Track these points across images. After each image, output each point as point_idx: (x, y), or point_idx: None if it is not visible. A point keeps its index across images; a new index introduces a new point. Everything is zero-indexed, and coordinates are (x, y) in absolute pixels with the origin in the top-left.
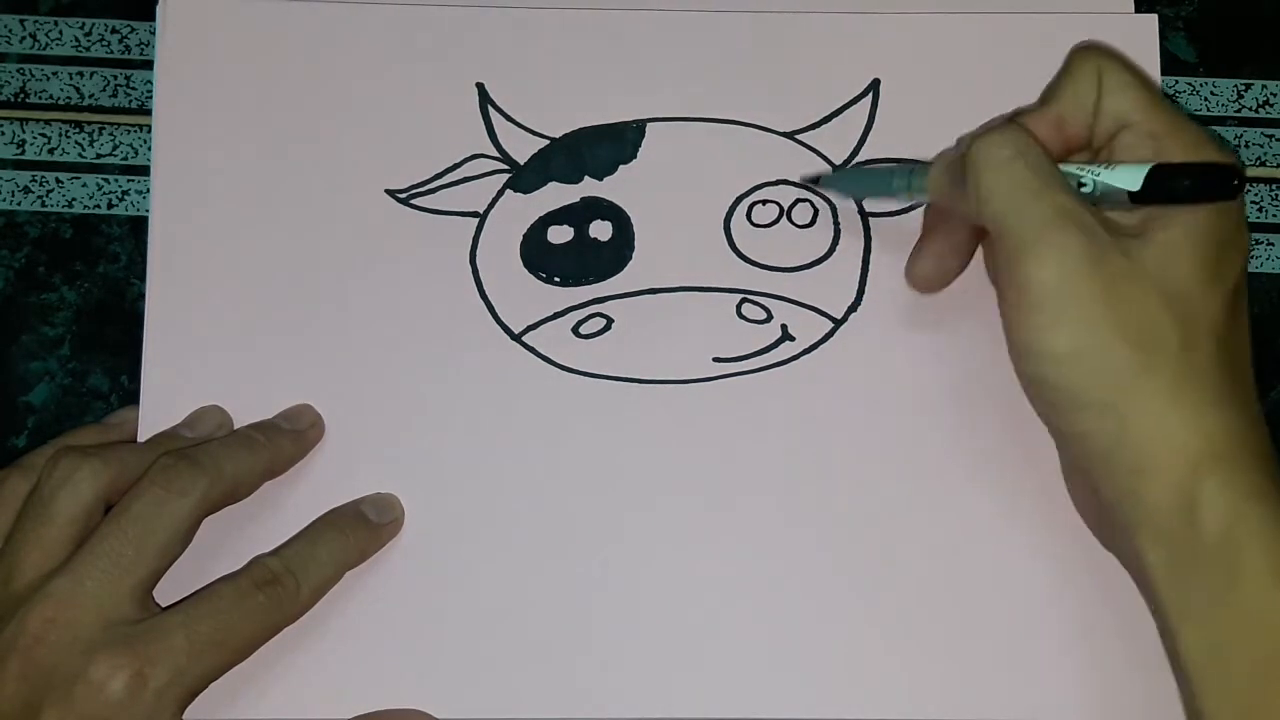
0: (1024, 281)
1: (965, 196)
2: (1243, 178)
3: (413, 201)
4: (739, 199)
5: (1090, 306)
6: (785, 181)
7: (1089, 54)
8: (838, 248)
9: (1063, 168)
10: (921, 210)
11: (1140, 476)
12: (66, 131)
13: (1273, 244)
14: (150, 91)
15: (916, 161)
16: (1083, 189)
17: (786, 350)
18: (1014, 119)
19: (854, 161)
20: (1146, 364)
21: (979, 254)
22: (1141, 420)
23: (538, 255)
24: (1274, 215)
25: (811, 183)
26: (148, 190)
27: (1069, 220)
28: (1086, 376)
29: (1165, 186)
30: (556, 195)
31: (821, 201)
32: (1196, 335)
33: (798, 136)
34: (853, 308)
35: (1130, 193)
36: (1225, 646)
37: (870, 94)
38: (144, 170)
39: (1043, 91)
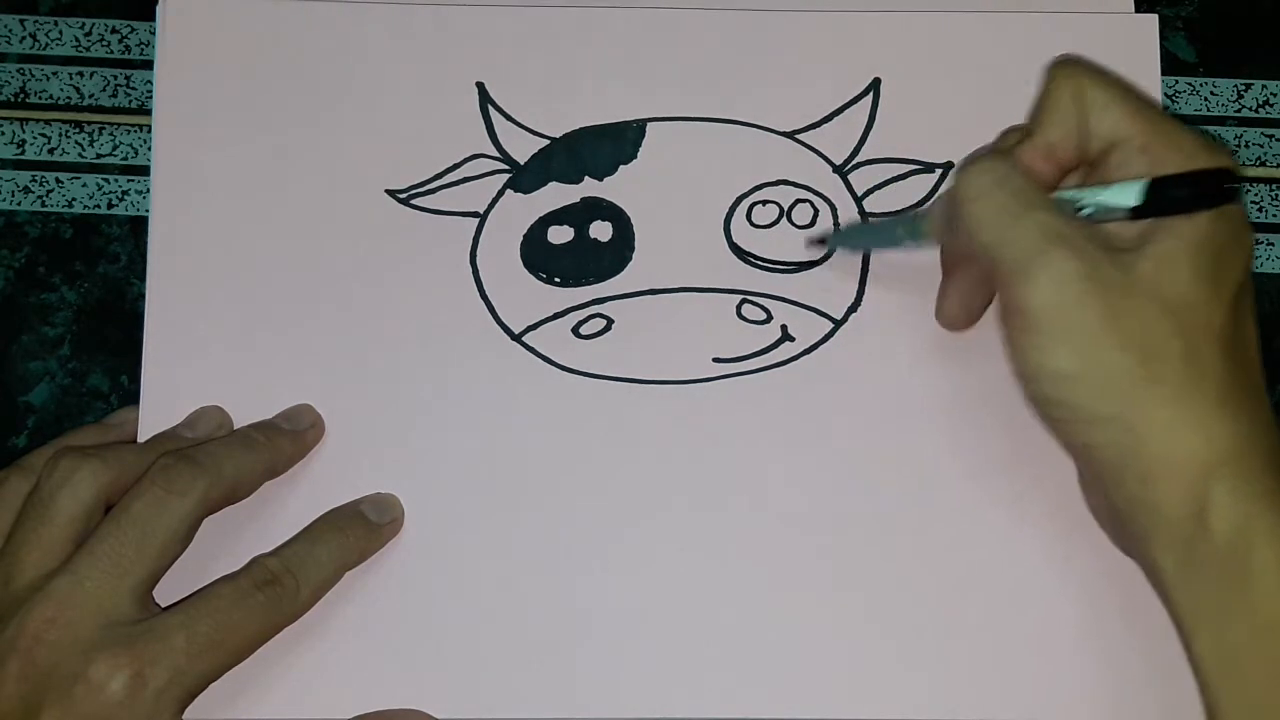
0: (1020, 306)
1: (960, 232)
2: (1237, 179)
3: (413, 201)
4: (739, 199)
5: (1088, 323)
6: (785, 181)
7: (1066, 74)
8: (837, 249)
9: (1060, 194)
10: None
11: (1151, 484)
12: (66, 131)
13: (1273, 244)
14: (150, 91)
15: (915, 209)
16: (1081, 212)
17: (786, 350)
18: (1000, 149)
19: (854, 162)
20: (1150, 375)
21: None
22: (1149, 430)
23: (538, 255)
24: (1274, 215)
25: (818, 243)
26: (148, 190)
27: (1057, 240)
28: (1092, 392)
29: (1164, 199)
30: (556, 195)
31: (821, 202)
32: (1199, 343)
33: (798, 136)
34: (853, 308)
35: (1130, 208)
36: (1239, 651)
37: (870, 94)
38: (144, 170)
39: (1028, 116)
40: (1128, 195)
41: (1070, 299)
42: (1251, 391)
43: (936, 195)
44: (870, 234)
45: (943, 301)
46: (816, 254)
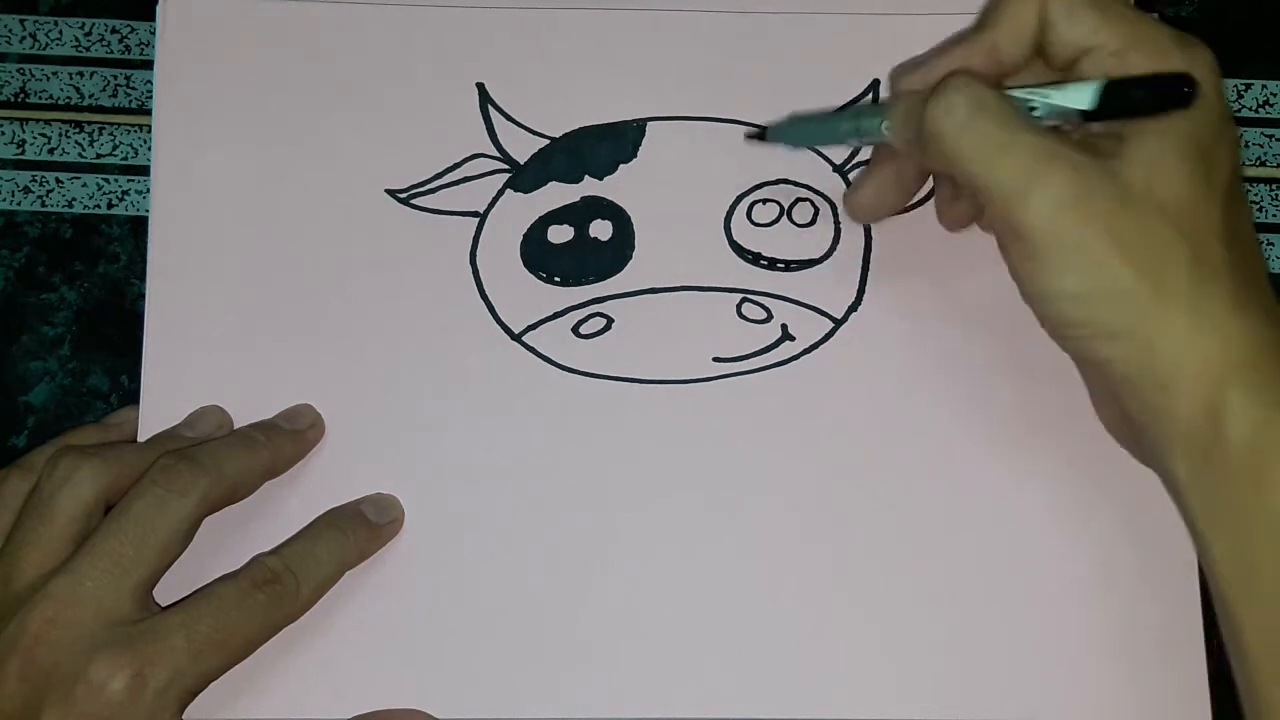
0: (1021, 232)
1: (930, 153)
2: (1194, 84)
3: (413, 201)
4: (739, 198)
5: (1093, 240)
6: (785, 180)
7: None
8: (838, 247)
9: (1010, 94)
10: (920, 212)
11: (1166, 393)
12: (66, 131)
13: (1273, 244)
14: (150, 91)
15: (859, 107)
16: (1033, 113)
17: (786, 350)
18: (947, 51)
19: (854, 161)
20: (1160, 284)
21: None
22: (1163, 340)
23: (538, 255)
24: (1274, 215)
25: (758, 137)
26: (148, 190)
27: (1049, 160)
28: (1104, 309)
29: (1118, 102)
30: (556, 195)
31: (822, 201)
32: (1203, 244)
33: None
34: (853, 308)
35: (1082, 111)
36: (1254, 556)
37: (870, 94)
38: (144, 170)
39: (979, 15)
40: (1082, 97)
41: (1070, 218)
42: (1259, 286)
43: (897, 97)
44: (811, 129)
45: (857, 188)
46: (756, 145)
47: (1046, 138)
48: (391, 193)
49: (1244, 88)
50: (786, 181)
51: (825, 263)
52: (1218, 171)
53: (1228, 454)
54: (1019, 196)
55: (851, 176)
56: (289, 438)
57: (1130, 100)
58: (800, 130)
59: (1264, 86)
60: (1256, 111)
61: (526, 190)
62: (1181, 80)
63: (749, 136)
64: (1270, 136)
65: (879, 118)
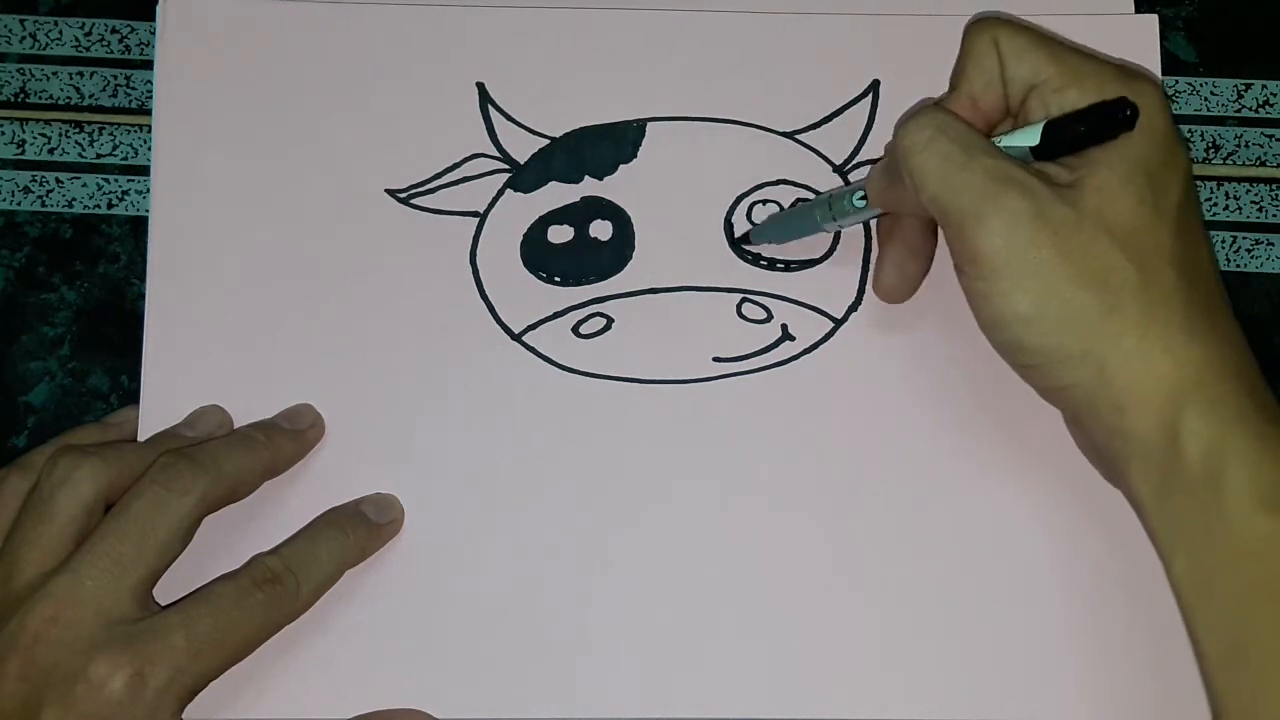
0: (975, 252)
1: (904, 191)
2: (1134, 106)
3: (413, 201)
4: (739, 198)
5: (1044, 263)
6: (785, 181)
7: (982, 27)
8: (838, 248)
9: None
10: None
11: (1124, 414)
12: (66, 131)
13: (1273, 244)
14: (150, 91)
15: (830, 192)
16: None
17: (786, 350)
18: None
19: (854, 162)
20: (1111, 306)
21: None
22: (1116, 361)
23: (538, 255)
24: (1274, 215)
25: (743, 241)
26: (148, 190)
27: (1005, 182)
28: (1056, 332)
29: (1063, 137)
30: (557, 195)
31: None
32: (1153, 268)
33: (798, 136)
34: (853, 308)
35: (1033, 149)
36: (1213, 573)
37: (870, 94)
38: (144, 170)
39: (950, 76)
40: (1029, 136)
41: (1024, 240)
42: (1215, 311)
43: (875, 161)
44: (788, 224)
45: (879, 272)
46: (745, 254)
47: (1004, 162)
48: (391, 193)
49: (1244, 88)
50: (786, 182)
51: (825, 263)
52: (1167, 197)
53: (1185, 472)
54: (975, 216)
55: (851, 177)
56: (289, 438)
57: (1073, 134)
58: (780, 228)
59: (1264, 86)
60: (1256, 111)
61: (526, 190)
62: (1119, 106)
63: (735, 241)
64: (1270, 136)
65: (849, 195)
